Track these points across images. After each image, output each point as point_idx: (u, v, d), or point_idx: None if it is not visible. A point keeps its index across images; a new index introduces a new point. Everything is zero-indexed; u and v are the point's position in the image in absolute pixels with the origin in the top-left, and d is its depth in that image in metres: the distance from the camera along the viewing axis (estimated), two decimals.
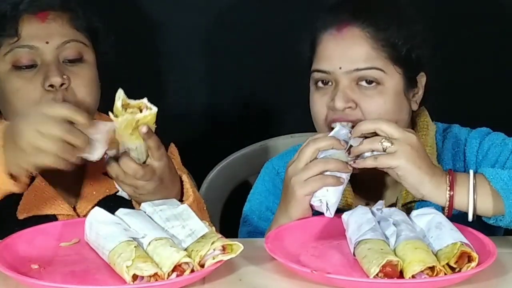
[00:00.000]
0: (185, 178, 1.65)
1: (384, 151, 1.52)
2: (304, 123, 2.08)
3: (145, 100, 1.46)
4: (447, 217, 1.52)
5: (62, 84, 1.65)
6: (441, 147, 1.77)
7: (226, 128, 2.38)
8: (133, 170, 1.49)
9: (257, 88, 2.35)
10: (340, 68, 1.66)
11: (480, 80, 2.34)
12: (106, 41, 1.79)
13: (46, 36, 1.68)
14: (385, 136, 1.53)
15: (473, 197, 1.51)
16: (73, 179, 1.74)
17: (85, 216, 1.51)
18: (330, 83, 1.68)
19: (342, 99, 1.64)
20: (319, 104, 1.70)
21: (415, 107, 1.74)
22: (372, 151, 1.54)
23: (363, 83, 1.65)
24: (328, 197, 1.57)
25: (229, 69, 2.34)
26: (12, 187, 1.49)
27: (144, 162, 1.52)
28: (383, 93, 1.66)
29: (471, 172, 1.54)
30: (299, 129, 2.20)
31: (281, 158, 1.86)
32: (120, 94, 1.46)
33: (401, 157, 1.51)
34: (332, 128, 1.64)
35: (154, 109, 1.46)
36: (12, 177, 1.48)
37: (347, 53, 1.66)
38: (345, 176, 1.58)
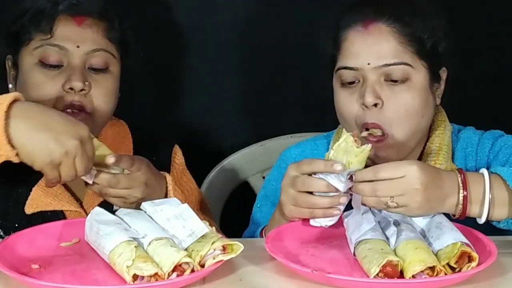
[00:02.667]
0: (169, 180, 1.68)
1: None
2: (304, 123, 2.09)
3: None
4: (460, 219, 1.51)
5: (82, 89, 1.67)
6: (456, 147, 1.78)
7: (226, 128, 2.38)
8: (106, 181, 1.56)
9: (258, 88, 2.34)
10: (369, 64, 1.65)
11: (480, 80, 2.34)
12: (134, 57, 1.81)
13: (78, 40, 1.69)
14: (389, 197, 1.46)
15: (489, 197, 1.48)
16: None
17: None
18: (357, 81, 1.68)
19: (372, 94, 1.64)
20: (348, 102, 1.69)
21: (438, 101, 1.75)
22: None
23: (391, 81, 1.65)
24: (323, 221, 1.56)
25: (229, 69, 2.34)
26: (11, 154, 1.42)
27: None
28: (411, 88, 1.66)
29: (486, 172, 1.50)
30: (299, 129, 2.20)
31: (299, 147, 1.87)
32: None
33: (412, 212, 1.48)
34: (365, 129, 1.64)
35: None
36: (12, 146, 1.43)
37: (374, 49, 1.66)
38: (342, 206, 1.54)
